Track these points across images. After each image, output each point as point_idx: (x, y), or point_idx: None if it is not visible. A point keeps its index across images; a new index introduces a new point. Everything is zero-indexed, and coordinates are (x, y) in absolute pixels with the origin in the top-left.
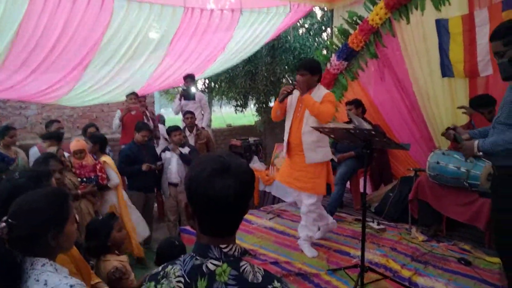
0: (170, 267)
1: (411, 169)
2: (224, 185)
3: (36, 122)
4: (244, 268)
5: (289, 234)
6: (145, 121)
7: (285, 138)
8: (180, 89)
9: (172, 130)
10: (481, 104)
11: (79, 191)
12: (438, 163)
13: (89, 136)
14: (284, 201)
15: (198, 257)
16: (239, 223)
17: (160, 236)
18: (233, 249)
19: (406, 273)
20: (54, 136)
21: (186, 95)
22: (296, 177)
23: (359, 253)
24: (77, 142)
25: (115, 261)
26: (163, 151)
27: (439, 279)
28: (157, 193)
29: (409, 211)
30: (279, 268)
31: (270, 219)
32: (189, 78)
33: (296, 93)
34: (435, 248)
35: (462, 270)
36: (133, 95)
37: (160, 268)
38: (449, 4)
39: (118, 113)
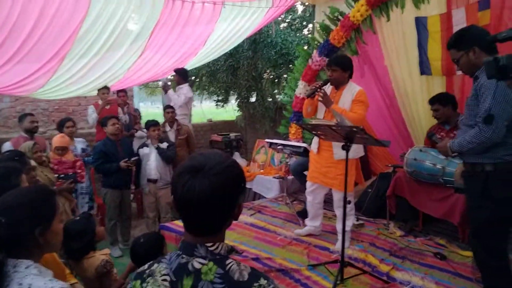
0: (156, 265)
1: (389, 165)
2: (192, 185)
3: (9, 116)
4: (230, 266)
5: (270, 230)
6: (120, 115)
7: None
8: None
9: (151, 125)
10: (430, 101)
11: (55, 188)
12: (415, 159)
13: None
14: (265, 197)
15: (184, 255)
16: (222, 223)
17: (139, 234)
18: (219, 248)
19: (384, 268)
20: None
21: (166, 87)
22: (323, 173)
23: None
24: (61, 138)
25: (101, 256)
26: (141, 147)
27: (416, 273)
28: (135, 190)
29: (387, 207)
30: (260, 264)
31: (251, 215)
32: (178, 72)
33: (328, 88)
34: (412, 243)
35: (438, 264)
36: (105, 89)
37: (146, 266)
38: (428, 2)
39: (92, 109)
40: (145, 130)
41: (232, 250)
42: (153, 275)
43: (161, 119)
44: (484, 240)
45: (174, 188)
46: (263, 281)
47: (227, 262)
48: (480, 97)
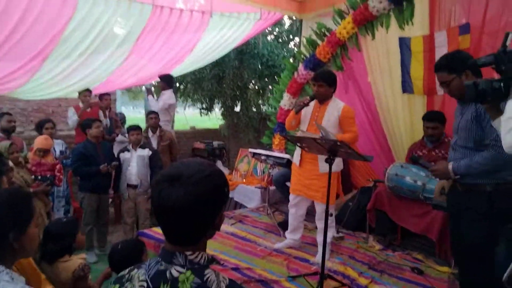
0: (135, 270)
1: (371, 180)
2: (168, 193)
3: None
4: (208, 277)
5: (251, 240)
6: (102, 118)
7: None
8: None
9: (131, 129)
10: (429, 118)
11: (31, 189)
12: (396, 175)
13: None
14: (246, 207)
15: (163, 263)
16: (201, 233)
17: (116, 240)
18: (199, 257)
19: (363, 281)
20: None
21: (149, 91)
22: (306, 185)
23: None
24: (45, 141)
25: (78, 260)
26: (122, 151)
27: (393, 287)
28: (114, 195)
29: (367, 221)
30: (239, 274)
31: (231, 224)
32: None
33: (312, 103)
34: (390, 257)
35: (415, 279)
36: (87, 92)
37: (126, 270)
38: (412, 24)
39: (72, 111)
40: (126, 134)
41: (212, 260)
42: (131, 280)
43: (143, 124)
44: (478, 257)
45: (152, 195)
46: None
47: (206, 272)
48: (486, 120)
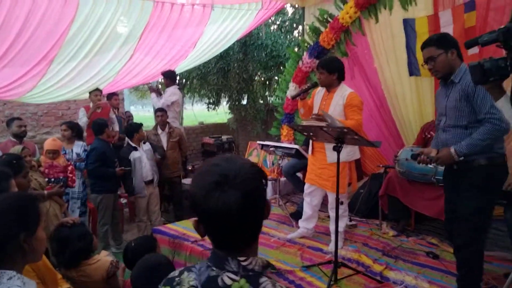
0: (186, 273)
1: (381, 166)
2: (224, 200)
3: None
4: (265, 286)
5: (263, 232)
6: (112, 117)
7: None
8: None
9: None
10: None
11: (45, 192)
12: (407, 159)
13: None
14: None
15: (214, 268)
16: (257, 232)
17: (131, 238)
18: (253, 263)
19: (377, 268)
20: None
21: (152, 89)
22: (318, 174)
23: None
24: (53, 142)
25: (106, 258)
26: (130, 151)
27: (409, 273)
28: (129, 195)
29: (379, 207)
30: None
31: None
32: (165, 74)
33: (321, 91)
34: (404, 243)
35: (430, 263)
36: (97, 91)
37: (177, 272)
38: (416, 4)
39: (83, 111)
40: None
41: (268, 266)
42: (181, 284)
43: (152, 122)
44: (470, 228)
45: (199, 203)
46: None
47: (261, 280)
48: (476, 97)
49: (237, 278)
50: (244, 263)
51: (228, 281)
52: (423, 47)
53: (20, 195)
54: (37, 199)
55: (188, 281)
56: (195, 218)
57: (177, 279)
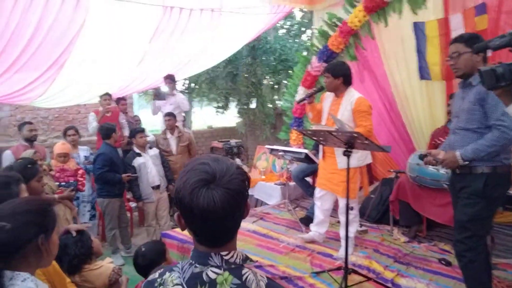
0: (168, 274)
1: (392, 170)
2: (210, 198)
3: (9, 124)
4: (247, 276)
5: (272, 237)
6: (123, 121)
7: None
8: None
9: (138, 131)
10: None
11: (56, 196)
12: (418, 164)
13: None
14: (267, 204)
15: (197, 265)
16: (236, 228)
17: (140, 242)
18: (235, 256)
19: (389, 275)
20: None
21: (157, 95)
22: (328, 179)
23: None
24: (62, 145)
25: (109, 264)
26: (134, 157)
27: (420, 280)
28: (137, 201)
29: (390, 213)
30: (263, 271)
31: (253, 222)
32: (168, 79)
33: (330, 96)
34: (416, 249)
35: (443, 270)
36: (107, 96)
37: (157, 274)
38: (426, 8)
39: (92, 116)
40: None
41: (247, 258)
42: (164, 285)
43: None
44: (471, 232)
45: (186, 200)
46: None
47: (243, 271)
48: (489, 102)
49: (220, 271)
50: (226, 257)
51: (213, 275)
52: (453, 41)
53: (38, 199)
54: (51, 203)
55: (172, 280)
56: (178, 213)
57: (158, 280)
